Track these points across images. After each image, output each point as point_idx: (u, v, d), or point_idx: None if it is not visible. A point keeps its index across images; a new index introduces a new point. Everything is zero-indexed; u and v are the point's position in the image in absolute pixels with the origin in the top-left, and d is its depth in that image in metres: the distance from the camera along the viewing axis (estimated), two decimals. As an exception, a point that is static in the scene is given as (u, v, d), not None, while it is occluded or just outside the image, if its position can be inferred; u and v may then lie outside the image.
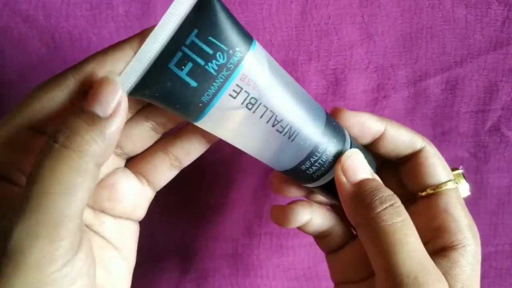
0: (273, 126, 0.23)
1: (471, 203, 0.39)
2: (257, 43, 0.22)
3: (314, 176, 0.25)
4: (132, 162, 0.26)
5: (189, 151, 0.25)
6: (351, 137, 0.26)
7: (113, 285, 0.24)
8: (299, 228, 0.29)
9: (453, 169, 0.28)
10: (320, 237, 0.30)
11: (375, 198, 0.23)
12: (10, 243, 0.18)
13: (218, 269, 0.39)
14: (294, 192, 0.28)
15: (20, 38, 0.33)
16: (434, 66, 0.36)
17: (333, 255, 0.30)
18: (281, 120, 0.23)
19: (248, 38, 0.21)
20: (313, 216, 0.28)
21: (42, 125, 0.21)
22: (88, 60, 0.21)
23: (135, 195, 0.25)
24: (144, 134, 0.24)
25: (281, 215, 0.28)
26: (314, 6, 0.35)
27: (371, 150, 0.28)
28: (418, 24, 0.36)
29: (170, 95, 0.21)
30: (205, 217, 0.38)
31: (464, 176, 0.28)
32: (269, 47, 0.35)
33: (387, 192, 0.23)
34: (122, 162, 0.26)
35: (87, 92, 0.20)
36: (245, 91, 0.21)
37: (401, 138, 0.27)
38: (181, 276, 0.39)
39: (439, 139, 0.38)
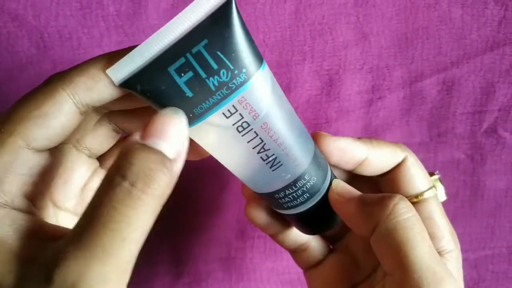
0: (258, 153, 0.22)
1: (468, 205, 0.39)
2: (266, 66, 0.21)
3: (284, 206, 0.25)
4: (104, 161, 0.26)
5: None
6: (331, 170, 0.26)
7: None
8: (275, 240, 0.28)
9: (430, 174, 0.28)
10: (297, 252, 0.29)
11: (385, 199, 0.23)
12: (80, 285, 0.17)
13: (211, 273, 0.39)
14: (260, 220, 0.27)
15: (9, 37, 0.33)
16: (430, 67, 0.36)
17: (312, 271, 0.29)
18: (268, 150, 0.22)
19: (258, 59, 0.20)
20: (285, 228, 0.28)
21: (40, 145, 0.20)
22: (76, 71, 0.19)
23: None
24: (108, 135, 0.25)
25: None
26: (308, 6, 0.34)
27: (353, 173, 0.27)
28: (413, 24, 0.35)
29: (161, 97, 0.20)
30: (198, 220, 0.38)
31: (441, 181, 0.28)
32: (262, 47, 0.35)
33: (391, 193, 0.24)
34: (96, 162, 0.26)
35: (149, 125, 0.18)
36: (240, 114, 0.20)
37: (385, 158, 0.26)
38: (174, 280, 0.39)
39: (435, 140, 0.37)
